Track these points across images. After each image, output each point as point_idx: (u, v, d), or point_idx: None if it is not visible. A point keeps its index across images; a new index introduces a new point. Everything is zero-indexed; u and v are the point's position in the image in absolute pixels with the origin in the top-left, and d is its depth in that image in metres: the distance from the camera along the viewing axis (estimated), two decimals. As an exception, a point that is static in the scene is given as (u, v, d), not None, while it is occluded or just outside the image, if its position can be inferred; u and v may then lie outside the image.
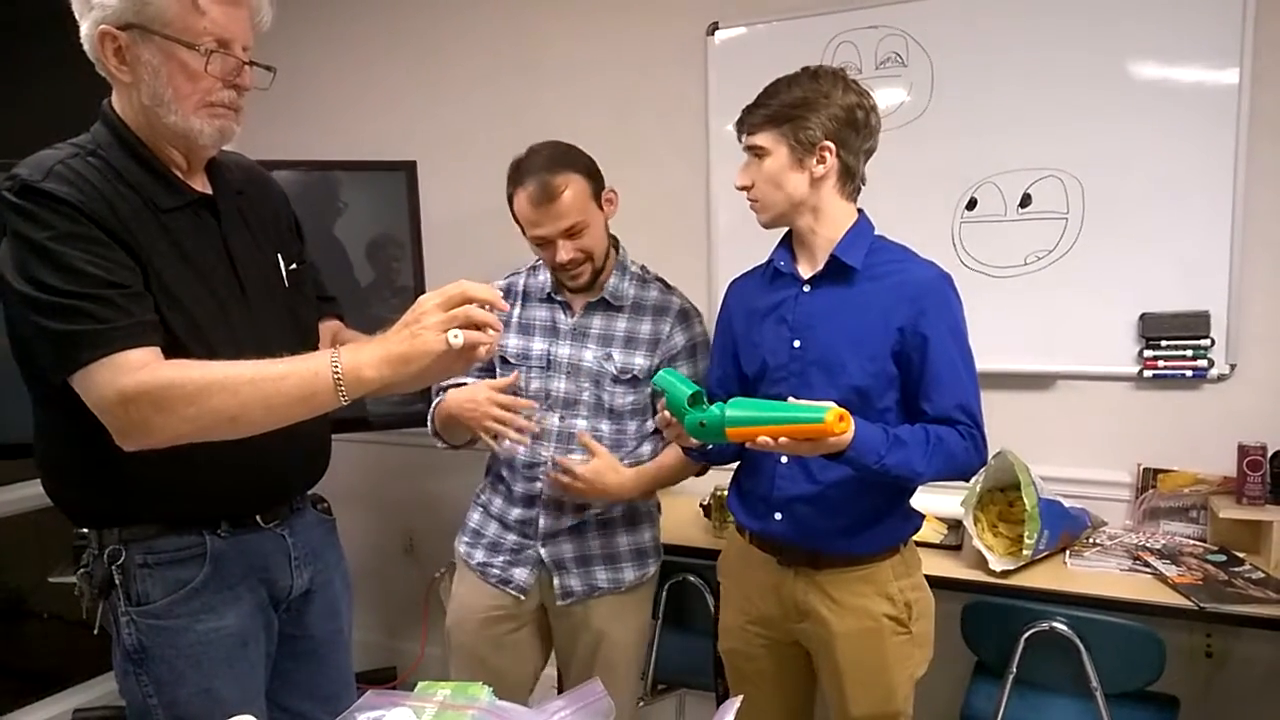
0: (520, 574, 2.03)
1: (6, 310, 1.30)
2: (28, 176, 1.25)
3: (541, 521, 2.00)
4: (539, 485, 2.00)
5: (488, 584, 2.06)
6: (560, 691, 2.11)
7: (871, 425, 1.57)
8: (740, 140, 1.74)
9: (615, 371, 1.98)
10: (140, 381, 1.22)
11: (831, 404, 1.48)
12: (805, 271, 1.75)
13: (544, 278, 2.06)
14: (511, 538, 2.05)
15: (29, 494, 2.76)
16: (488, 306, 1.28)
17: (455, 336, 1.24)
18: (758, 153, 1.69)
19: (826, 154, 1.66)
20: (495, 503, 2.09)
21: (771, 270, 1.81)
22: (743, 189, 1.74)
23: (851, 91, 1.67)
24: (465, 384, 1.98)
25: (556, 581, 2.01)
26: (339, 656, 1.66)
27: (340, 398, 1.26)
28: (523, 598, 2.04)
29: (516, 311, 2.06)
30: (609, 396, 1.99)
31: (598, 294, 2.01)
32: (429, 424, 2.06)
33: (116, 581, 1.38)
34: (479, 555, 2.08)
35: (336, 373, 1.25)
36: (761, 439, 1.49)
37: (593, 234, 1.92)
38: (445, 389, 2.01)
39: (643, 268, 2.10)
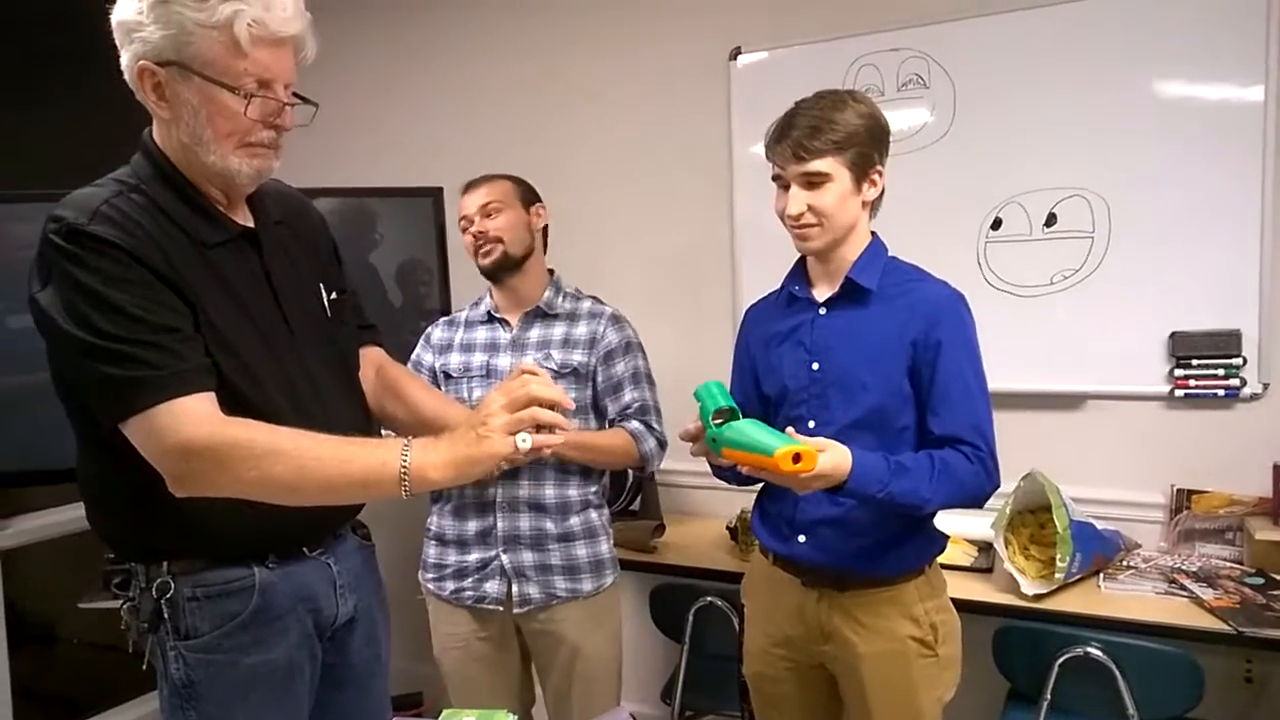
0: (491, 587, 2.11)
1: (51, 351, 1.30)
2: (74, 219, 1.23)
3: (500, 526, 2.09)
4: (491, 491, 2.10)
5: (463, 609, 2.15)
6: (547, 707, 2.22)
7: (871, 455, 1.55)
8: (781, 165, 1.67)
9: (555, 367, 2.11)
10: (207, 435, 1.22)
11: (799, 443, 1.45)
12: (820, 295, 1.76)
13: (483, 306, 2.25)
14: (474, 556, 2.12)
15: (60, 520, 2.78)
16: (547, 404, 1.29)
17: (524, 440, 1.25)
18: (815, 179, 1.64)
19: (877, 178, 1.68)
20: (448, 528, 2.16)
21: (786, 295, 1.82)
22: (796, 216, 1.67)
23: (883, 116, 1.69)
24: None
25: (515, 589, 2.09)
26: (378, 684, 1.63)
27: (403, 492, 1.26)
28: (500, 609, 2.11)
29: (458, 335, 2.25)
30: None
31: (532, 305, 2.18)
32: None
33: (165, 615, 1.36)
34: (450, 585, 2.15)
35: (404, 468, 1.25)
36: (744, 467, 1.50)
37: (508, 220, 2.14)
38: None
39: (577, 289, 2.27)
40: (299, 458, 1.24)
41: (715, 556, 2.58)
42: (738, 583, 2.02)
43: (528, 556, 2.10)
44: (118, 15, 1.28)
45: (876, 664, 1.69)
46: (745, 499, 2.12)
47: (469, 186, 2.20)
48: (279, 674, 1.41)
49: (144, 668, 1.41)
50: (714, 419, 1.57)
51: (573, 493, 2.13)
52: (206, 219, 1.36)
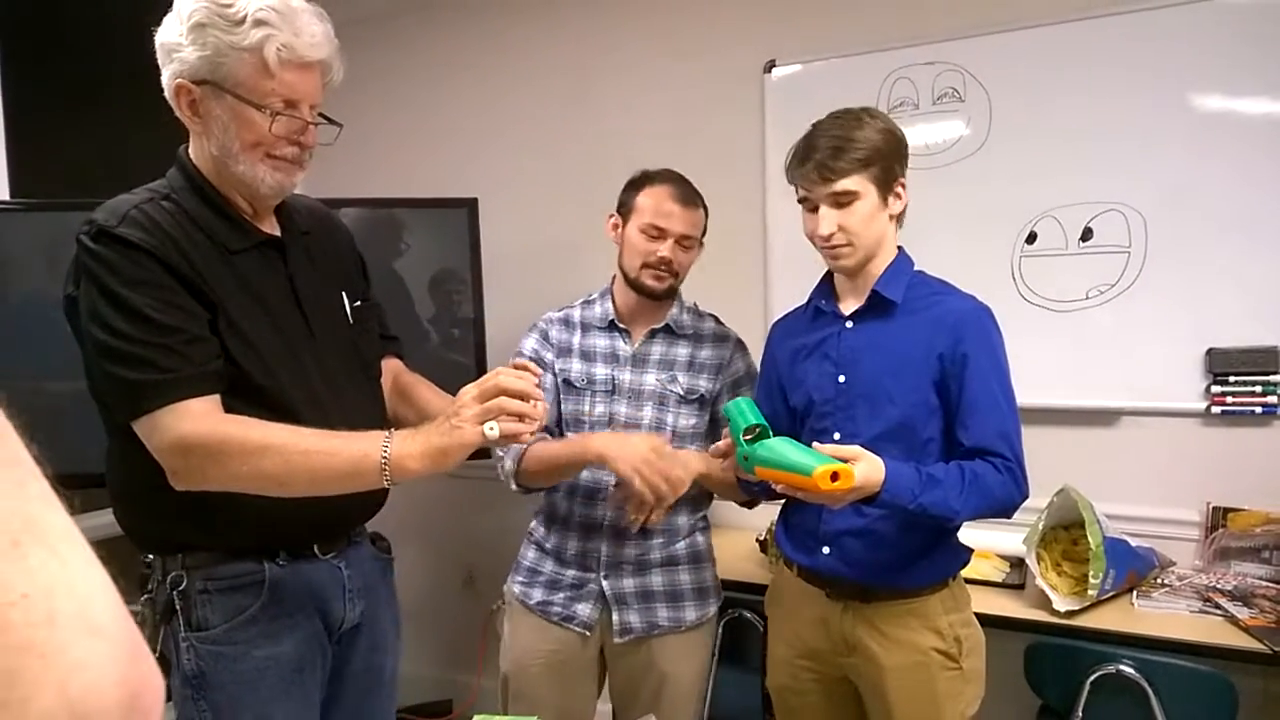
0: (583, 610, 2.00)
1: (84, 350, 1.36)
2: (104, 222, 1.31)
3: (604, 550, 1.98)
4: (600, 513, 1.99)
5: (549, 623, 2.03)
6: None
7: (903, 466, 1.56)
8: (808, 187, 1.68)
9: (681, 393, 2.02)
10: (200, 432, 1.29)
11: (836, 461, 1.46)
12: (846, 308, 1.77)
13: (600, 310, 2.11)
14: (571, 573, 2.02)
15: (98, 523, 2.83)
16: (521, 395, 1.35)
17: (491, 429, 1.33)
18: (843, 198, 1.65)
19: (901, 190, 1.70)
20: (551, 539, 2.06)
21: (813, 309, 1.84)
22: (827, 237, 1.67)
23: (899, 129, 1.71)
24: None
25: (615, 617, 1.98)
26: (381, 691, 1.67)
27: (384, 481, 1.34)
28: (588, 634, 2.01)
29: (577, 339, 2.10)
30: (672, 418, 2.02)
31: (661, 322, 2.06)
32: (513, 467, 1.97)
33: (177, 607, 1.41)
34: (537, 594, 2.05)
35: (385, 459, 1.32)
36: (779, 485, 1.52)
37: (692, 259, 2.06)
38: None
39: (695, 304, 2.16)
40: (287, 453, 1.30)
41: (745, 569, 2.58)
42: (766, 595, 2.03)
43: (629, 583, 1.99)
44: (161, 37, 1.36)
45: (900, 676, 1.70)
46: (774, 511, 2.13)
47: (684, 198, 2.02)
48: (288, 667, 1.46)
49: (156, 658, 1.44)
50: (745, 436, 1.58)
51: (681, 520, 2.03)
52: (233, 226, 1.44)
